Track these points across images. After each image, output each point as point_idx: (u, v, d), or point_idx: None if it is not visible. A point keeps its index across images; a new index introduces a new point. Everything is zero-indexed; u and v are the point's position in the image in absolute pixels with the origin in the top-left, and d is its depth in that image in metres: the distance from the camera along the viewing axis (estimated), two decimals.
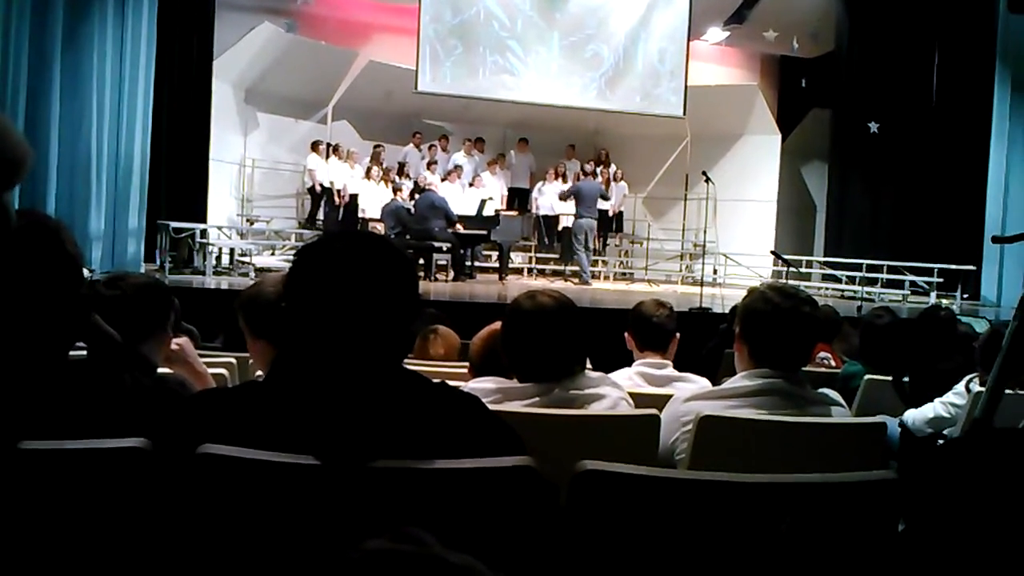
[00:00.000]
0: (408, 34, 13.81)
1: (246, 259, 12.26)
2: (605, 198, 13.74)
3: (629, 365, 3.46)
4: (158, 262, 10.91)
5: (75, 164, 9.95)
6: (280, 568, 1.41)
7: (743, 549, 1.55)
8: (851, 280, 12.89)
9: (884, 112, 13.47)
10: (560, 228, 14.08)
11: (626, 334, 3.56)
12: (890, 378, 4.07)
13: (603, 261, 15.05)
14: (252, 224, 13.91)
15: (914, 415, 3.83)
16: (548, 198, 14.23)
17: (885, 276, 12.69)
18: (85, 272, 1.74)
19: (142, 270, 10.02)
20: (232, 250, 12.38)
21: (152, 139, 10.72)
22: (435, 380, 1.62)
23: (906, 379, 4.03)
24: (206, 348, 4.48)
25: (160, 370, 2.47)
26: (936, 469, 1.27)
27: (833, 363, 5.16)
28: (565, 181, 14.07)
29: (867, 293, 12.00)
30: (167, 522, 1.45)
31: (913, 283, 12.46)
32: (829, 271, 13.70)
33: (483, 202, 13.09)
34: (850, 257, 13.15)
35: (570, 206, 13.32)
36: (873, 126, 13.52)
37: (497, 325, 2.83)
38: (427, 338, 4.25)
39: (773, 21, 14.51)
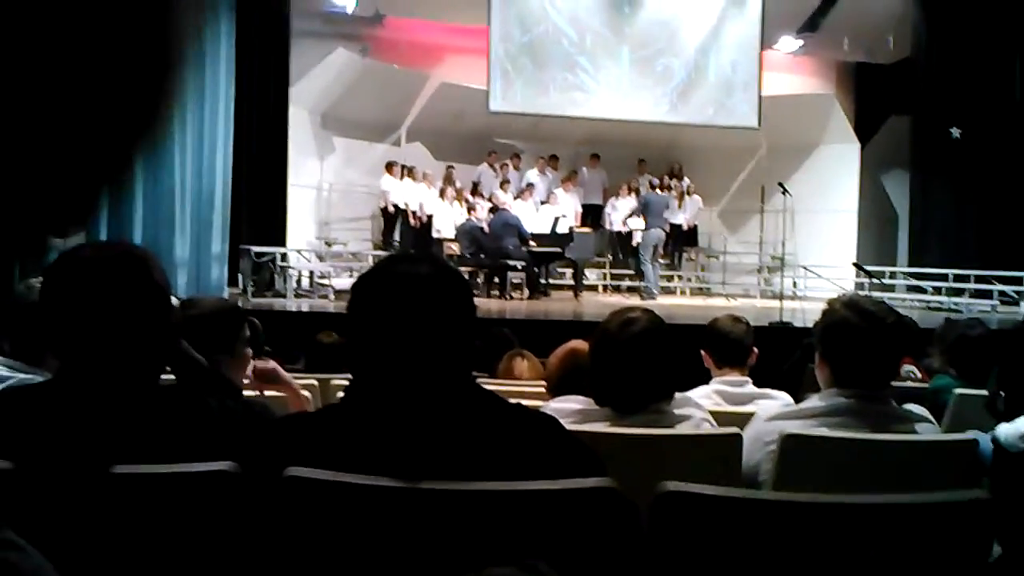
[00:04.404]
0: (478, 54, 13.92)
1: (325, 281, 12.47)
2: None
3: (706, 383, 3.42)
4: (241, 286, 11.17)
5: (159, 193, 10.24)
6: None
7: (830, 572, 1.52)
8: (937, 291, 12.52)
9: (966, 116, 13.07)
10: (635, 244, 14.01)
11: (702, 351, 3.52)
12: (982, 392, 3.94)
13: (679, 276, 14.91)
14: (330, 247, 14.15)
15: (1007, 430, 3.68)
16: (621, 214, 14.17)
17: (972, 286, 12.27)
18: (172, 299, 1.79)
19: (225, 294, 10.26)
20: (312, 273, 12.61)
21: (233, 165, 11.01)
22: (512, 401, 1.63)
23: (1001, 393, 3.89)
24: (287, 370, 4.56)
25: (252, 393, 2.55)
26: None
27: (920, 376, 5.02)
28: (638, 196, 13.98)
29: (954, 304, 11.64)
30: (256, 545, 1.47)
31: (1002, 293, 12.03)
32: (914, 282, 13.34)
33: (557, 219, 13.11)
34: (935, 267, 12.76)
35: (642, 221, 13.25)
36: (955, 131, 13.13)
37: (574, 344, 2.82)
38: (513, 359, 4.30)
39: (848, 28, 14.22)
